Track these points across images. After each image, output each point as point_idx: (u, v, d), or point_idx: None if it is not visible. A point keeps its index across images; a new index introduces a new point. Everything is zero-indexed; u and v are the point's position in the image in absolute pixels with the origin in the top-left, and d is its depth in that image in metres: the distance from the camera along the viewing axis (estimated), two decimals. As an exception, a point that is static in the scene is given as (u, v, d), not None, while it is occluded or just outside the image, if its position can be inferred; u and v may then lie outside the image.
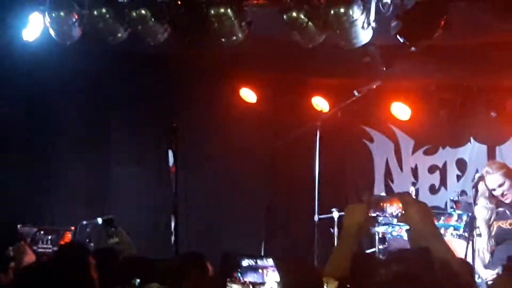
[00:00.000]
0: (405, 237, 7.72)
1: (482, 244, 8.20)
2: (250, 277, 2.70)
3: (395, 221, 8.31)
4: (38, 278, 4.57)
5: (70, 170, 10.49)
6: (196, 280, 3.92)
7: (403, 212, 3.77)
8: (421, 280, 3.08)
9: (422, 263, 3.66)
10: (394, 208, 3.91)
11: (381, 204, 4.00)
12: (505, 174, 8.08)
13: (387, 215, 4.06)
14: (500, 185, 8.05)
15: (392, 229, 8.78)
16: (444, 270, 3.31)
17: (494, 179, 8.09)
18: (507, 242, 7.97)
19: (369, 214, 3.91)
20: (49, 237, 9.12)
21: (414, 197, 9.43)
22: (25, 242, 8.84)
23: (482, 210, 8.35)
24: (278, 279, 2.61)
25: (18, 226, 8.93)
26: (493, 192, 8.15)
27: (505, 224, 8.10)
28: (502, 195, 8.10)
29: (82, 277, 4.41)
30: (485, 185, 8.22)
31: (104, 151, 10.91)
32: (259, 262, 2.69)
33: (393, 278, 3.04)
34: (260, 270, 2.67)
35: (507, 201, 8.09)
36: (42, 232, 9.10)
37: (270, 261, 2.68)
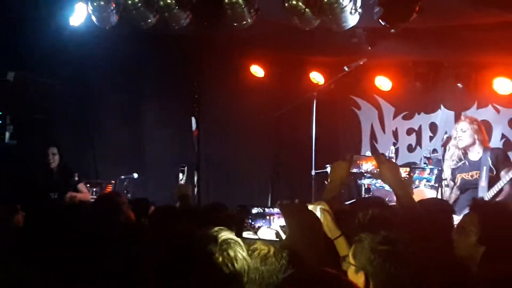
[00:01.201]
0: (387, 187, 7.75)
1: (449, 193, 8.23)
2: (259, 223, 2.74)
3: (368, 176, 8.38)
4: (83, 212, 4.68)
5: (111, 133, 10.52)
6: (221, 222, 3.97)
7: (378, 169, 3.82)
8: (390, 221, 3.12)
9: (390, 209, 3.72)
10: (368, 165, 4.02)
11: (358, 162, 4.11)
12: (470, 123, 8.03)
13: (362, 170, 4.15)
14: (463, 131, 8.01)
15: (376, 181, 8.80)
16: (408, 212, 3.35)
17: (461, 125, 8.05)
18: (469, 190, 7.99)
19: (350, 170, 3.94)
20: (94, 189, 9.20)
21: (393, 154, 9.58)
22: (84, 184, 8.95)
23: (449, 165, 8.36)
24: (283, 224, 2.63)
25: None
26: (456, 136, 8.06)
27: (466, 176, 8.11)
28: (458, 138, 7.98)
29: (117, 212, 4.50)
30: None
31: (137, 118, 10.88)
32: (267, 210, 2.72)
33: (369, 220, 3.08)
34: (267, 217, 2.70)
35: (459, 145, 7.97)
36: (88, 185, 9.16)
37: (276, 210, 2.72)
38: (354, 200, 8.49)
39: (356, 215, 3.48)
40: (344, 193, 8.89)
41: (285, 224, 2.69)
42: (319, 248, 2.59)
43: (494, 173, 7.76)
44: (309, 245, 2.59)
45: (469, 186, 7.93)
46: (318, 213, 3.14)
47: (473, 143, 7.92)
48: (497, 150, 8.14)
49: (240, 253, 2.38)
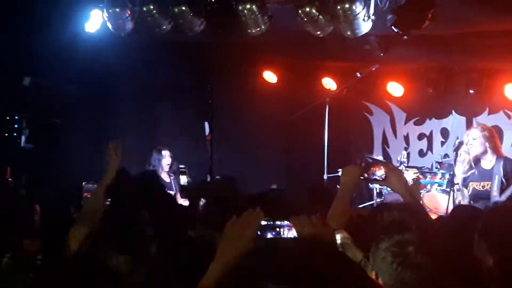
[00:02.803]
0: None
1: (462, 198, 8.04)
2: (269, 235, 2.61)
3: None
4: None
5: (125, 137, 10.43)
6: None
7: (386, 176, 3.85)
8: (410, 226, 3.04)
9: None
10: (382, 172, 4.05)
11: (372, 169, 4.12)
12: (481, 131, 7.82)
13: (376, 177, 4.18)
14: (474, 139, 7.82)
15: (387, 186, 8.68)
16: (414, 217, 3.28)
17: (472, 133, 7.88)
18: (481, 201, 7.79)
19: (360, 177, 3.99)
20: (108, 192, 9.10)
21: (405, 159, 9.46)
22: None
23: (460, 171, 8.16)
24: (293, 237, 2.52)
25: (83, 183, 8.93)
26: (467, 143, 7.87)
27: (478, 186, 7.91)
28: (469, 145, 7.77)
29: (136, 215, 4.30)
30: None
31: (152, 122, 10.87)
32: (277, 222, 2.60)
33: (390, 223, 3.01)
34: (277, 229, 2.58)
35: (470, 153, 7.75)
36: (104, 187, 9.08)
37: (286, 222, 2.59)
38: (374, 203, 8.43)
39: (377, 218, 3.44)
40: (355, 197, 8.80)
41: (296, 237, 2.55)
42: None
43: (505, 184, 7.57)
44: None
45: (481, 196, 7.74)
46: (338, 240, 3.11)
47: (485, 152, 7.74)
48: (511, 160, 7.91)
49: None
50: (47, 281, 3.46)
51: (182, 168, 9.66)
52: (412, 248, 2.72)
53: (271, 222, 2.61)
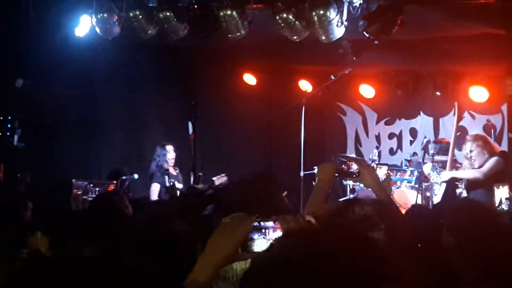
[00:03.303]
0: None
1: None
2: (254, 235, 2.55)
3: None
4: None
5: (113, 136, 10.50)
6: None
7: (359, 172, 3.80)
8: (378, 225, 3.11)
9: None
10: (355, 166, 3.93)
11: (349, 163, 3.99)
12: (474, 141, 8.00)
13: (353, 170, 4.03)
14: (471, 151, 8.03)
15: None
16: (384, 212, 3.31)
17: (468, 147, 8.04)
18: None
19: (336, 171, 3.86)
20: (97, 189, 9.14)
21: (376, 157, 9.64)
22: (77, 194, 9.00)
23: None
24: (278, 237, 2.50)
25: (73, 180, 8.93)
26: (466, 156, 8.08)
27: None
28: (471, 159, 7.97)
29: (116, 205, 4.53)
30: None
31: (138, 123, 10.82)
32: (262, 223, 2.56)
33: (363, 216, 3.06)
34: (263, 230, 2.56)
35: (475, 166, 7.93)
36: (91, 185, 9.08)
37: (270, 223, 2.55)
38: (348, 198, 8.52)
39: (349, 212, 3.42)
40: (330, 194, 8.91)
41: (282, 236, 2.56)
42: None
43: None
44: None
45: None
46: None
47: (487, 159, 7.90)
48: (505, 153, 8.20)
49: None
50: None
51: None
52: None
53: (258, 223, 2.62)
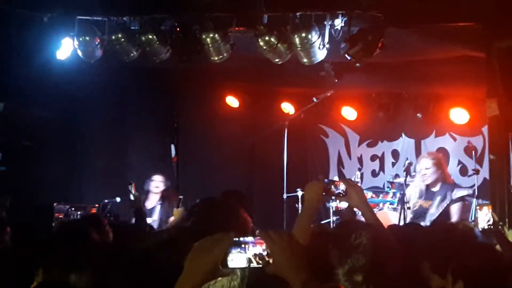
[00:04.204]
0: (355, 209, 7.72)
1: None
2: (233, 250, 2.48)
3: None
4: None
5: (94, 160, 10.43)
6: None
7: (346, 192, 3.77)
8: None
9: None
10: (342, 187, 3.84)
11: (336, 183, 3.91)
12: (432, 159, 8.19)
13: (340, 191, 3.96)
14: (427, 168, 8.13)
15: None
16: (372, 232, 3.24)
17: (424, 162, 8.19)
18: (419, 219, 8.08)
19: (323, 191, 3.80)
20: (78, 213, 9.02)
21: (359, 179, 9.60)
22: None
23: (414, 188, 8.41)
24: (258, 252, 2.43)
25: (54, 204, 8.80)
26: (420, 172, 8.21)
27: (425, 204, 8.17)
28: (424, 175, 8.14)
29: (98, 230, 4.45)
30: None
31: (120, 145, 10.77)
32: (241, 239, 2.49)
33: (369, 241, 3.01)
34: (242, 245, 2.49)
35: (426, 182, 8.17)
36: (73, 208, 8.98)
37: (250, 238, 2.48)
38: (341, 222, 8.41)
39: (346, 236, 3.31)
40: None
41: (267, 251, 2.48)
42: (305, 271, 2.46)
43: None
44: (295, 269, 2.46)
45: (423, 215, 8.08)
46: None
47: (437, 180, 8.11)
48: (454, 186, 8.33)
49: None
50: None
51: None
52: (360, 277, 2.89)
53: (237, 239, 2.53)
